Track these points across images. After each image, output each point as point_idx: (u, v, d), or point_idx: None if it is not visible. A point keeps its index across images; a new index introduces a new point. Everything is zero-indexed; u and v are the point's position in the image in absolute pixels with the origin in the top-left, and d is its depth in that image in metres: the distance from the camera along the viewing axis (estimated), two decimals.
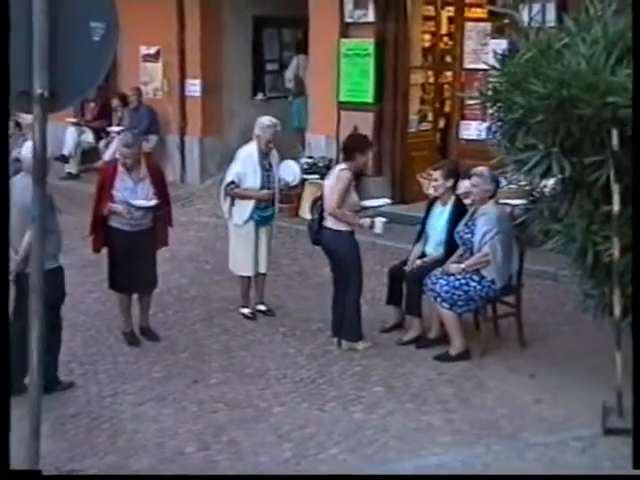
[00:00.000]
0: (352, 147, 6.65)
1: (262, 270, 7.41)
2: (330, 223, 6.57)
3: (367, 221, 6.68)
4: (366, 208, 7.26)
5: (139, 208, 6.62)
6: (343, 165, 6.64)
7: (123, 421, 5.58)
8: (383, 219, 6.76)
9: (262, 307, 7.47)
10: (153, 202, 6.72)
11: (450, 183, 6.81)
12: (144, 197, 6.66)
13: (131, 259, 6.66)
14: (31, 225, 5.39)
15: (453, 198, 6.85)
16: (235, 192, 7.26)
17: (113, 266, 6.79)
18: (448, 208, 6.83)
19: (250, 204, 7.23)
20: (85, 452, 5.15)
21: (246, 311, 7.47)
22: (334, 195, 6.50)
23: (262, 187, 7.21)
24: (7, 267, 3.70)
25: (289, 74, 12.87)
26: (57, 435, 5.31)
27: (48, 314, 5.37)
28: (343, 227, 6.54)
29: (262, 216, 7.31)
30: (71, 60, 3.60)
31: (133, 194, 6.63)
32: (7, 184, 3.67)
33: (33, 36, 3.50)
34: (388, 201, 8.60)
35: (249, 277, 7.46)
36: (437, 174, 6.86)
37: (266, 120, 7.25)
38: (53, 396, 5.68)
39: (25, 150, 5.64)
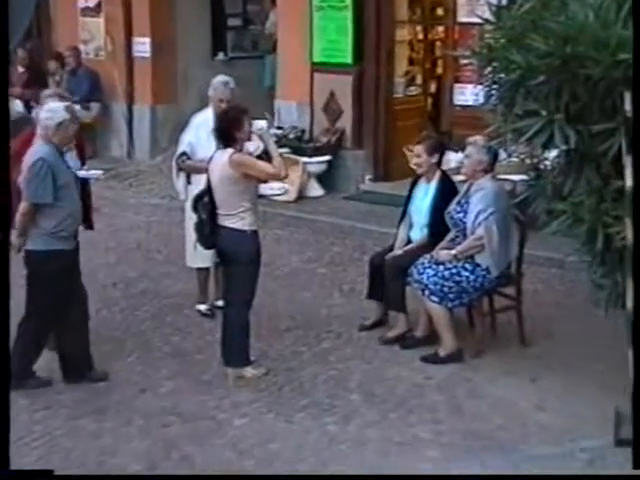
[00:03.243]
0: (228, 127, 6.21)
1: (200, 264, 7.30)
2: (228, 222, 6.24)
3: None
4: (262, 196, 7.24)
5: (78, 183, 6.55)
6: (229, 151, 6.17)
7: (57, 438, 5.56)
8: (262, 123, 6.43)
9: (221, 303, 7.44)
10: (99, 172, 6.76)
11: (435, 159, 6.82)
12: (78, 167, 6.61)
13: None
14: (24, 196, 5.87)
15: (438, 174, 6.86)
16: (186, 165, 7.20)
17: None
18: (433, 185, 6.85)
19: (202, 180, 7.12)
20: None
21: (203, 308, 7.47)
22: (262, 170, 6.14)
23: None
24: (7, 267, 3.69)
25: (269, 26, 12.81)
26: None
27: (39, 300, 6.00)
28: (246, 226, 6.27)
29: None
30: None
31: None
32: (7, 183, 3.64)
33: None
34: (286, 187, 8.45)
35: (207, 269, 7.44)
36: (419, 148, 6.86)
37: (218, 78, 7.24)
38: None
39: (41, 113, 6.01)
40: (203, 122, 7.17)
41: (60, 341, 6.26)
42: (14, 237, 5.95)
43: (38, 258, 6.00)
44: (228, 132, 6.21)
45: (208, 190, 6.34)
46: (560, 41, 5.12)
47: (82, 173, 6.60)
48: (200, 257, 7.28)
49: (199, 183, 7.03)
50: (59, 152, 6.01)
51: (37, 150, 5.96)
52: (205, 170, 6.97)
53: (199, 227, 6.40)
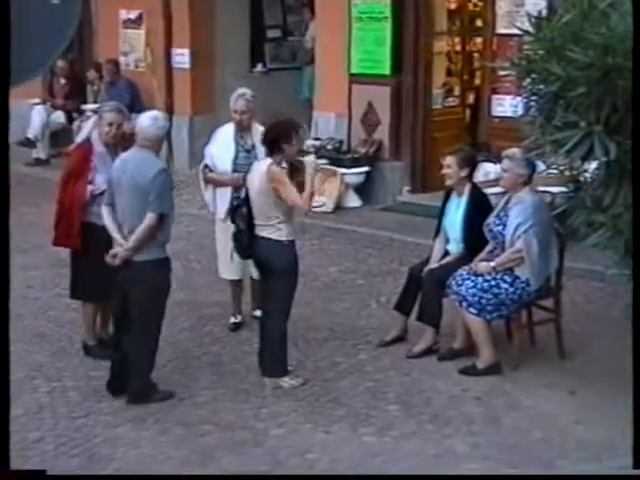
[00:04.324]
0: (276, 136, 6.29)
1: (254, 274, 7.14)
2: (266, 232, 6.27)
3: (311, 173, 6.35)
4: None
5: None
6: (267, 161, 6.26)
7: (96, 446, 5.60)
8: (313, 157, 6.54)
9: (258, 313, 7.43)
10: None
11: (465, 172, 6.79)
12: None
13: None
14: (151, 207, 5.82)
15: (469, 187, 6.84)
16: (208, 177, 7.25)
17: (85, 272, 6.68)
18: (464, 199, 6.82)
19: (227, 192, 7.12)
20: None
21: (233, 320, 7.44)
22: (289, 196, 6.13)
23: (235, 171, 7.06)
24: (7, 266, 3.72)
25: (308, 38, 12.81)
26: (17, 463, 5.29)
27: (149, 309, 5.92)
28: (283, 236, 6.31)
29: None
30: (26, 27, 3.58)
31: None
32: (7, 182, 3.68)
33: None
34: (323, 200, 8.40)
35: (239, 281, 7.43)
36: (451, 160, 6.83)
37: (236, 91, 7.25)
38: (17, 420, 5.72)
39: (148, 122, 5.91)
40: (223, 134, 7.24)
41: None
42: (124, 249, 5.92)
43: (152, 268, 5.96)
44: (275, 141, 6.26)
45: (246, 200, 6.38)
46: (600, 52, 5.10)
47: None
48: (233, 269, 7.29)
49: (224, 195, 7.11)
50: None
51: (151, 159, 5.92)
52: (227, 183, 7.01)
53: (237, 237, 6.44)
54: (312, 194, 6.33)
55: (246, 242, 6.36)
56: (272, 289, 6.37)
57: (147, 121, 5.96)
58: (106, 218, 6.10)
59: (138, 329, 6.00)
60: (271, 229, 6.26)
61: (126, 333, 6.08)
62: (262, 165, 6.30)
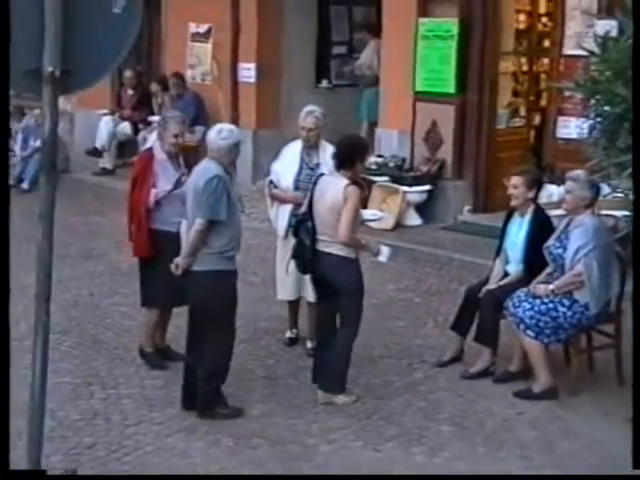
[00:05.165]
0: (352, 152, 6.26)
1: (310, 298, 6.98)
2: (332, 248, 6.20)
3: (374, 247, 6.46)
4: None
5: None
6: (345, 180, 6.20)
7: (147, 454, 5.63)
8: (389, 248, 6.56)
9: (310, 344, 7.12)
10: None
11: (532, 194, 6.74)
12: None
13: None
14: (200, 213, 5.87)
15: (532, 208, 6.77)
16: (272, 193, 7.22)
17: (156, 279, 6.69)
18: (527, 220, 6.76)
19: (287, 209, 7.07)
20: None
21: (289, 335, 7.41)
22: (345, 218, 6.09)
23: (296, 188, 7.00)
24: (7, 266, 3.79)
25: (364, 60, 12.82)
26: (68, 466, 5.38)
27: (212, 321, 5.92)
28: (349, 252, 6.22)
29: None
30: (87, 34, 3.65)
31: (180, 186, 6.72)
32: (7, 180, 3.75)
33: (44, 6, 3.55)
34: (380, 214, 8.31)
35: (293, 302, 7.33)
36: (518, 181, 6.77)
37: (305, 108, 7.19)
38: (73, 425, 5.82)
39: (213, 134, 6.01)
40: (289, 151, 7.22)
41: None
42: (181, 258, 6.00)
43: (207, 279, 5.93)
44: (350, 157, 6.25)
45: (310, 214, 6.34)
46: None
47: None
48: (289, 289, 7.17)
49: (284, 212, 7.09)
50: (227, 173, 6.01)
51: (210, 167, 5.96)
52: (288, 200, 6.99)
53: (300, 252, 6.34)
54: (359, 245, 6.31)
55: (309, 257, 6.29)
56: (341, 307, 6.29)
57: (212, 133, 6.05)
58: (182, 229, 6.19)
59: (205, 341, 5.98)
60: (339, 245, 6.20)
61: (195, 345, 6.09)
62: (338, 182, 6.20)
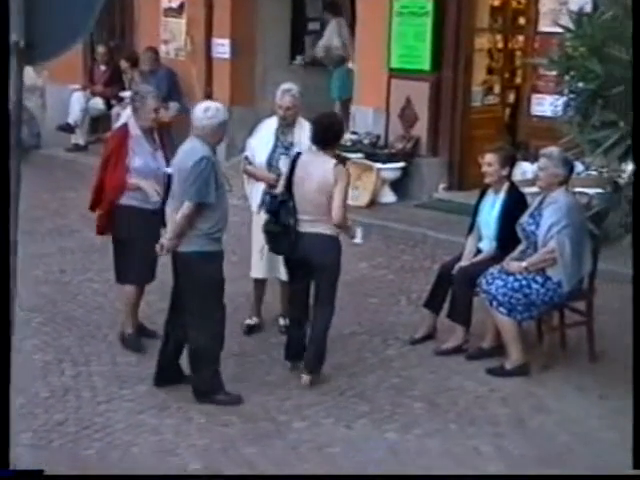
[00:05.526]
0: (334, 131, 6.22)
1: (283, 276, 6.87)
2: (318, 228, 6.12)
3: (352, 229, 6.39)
4: None
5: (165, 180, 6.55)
6: (331, 159, 6.14)
7: (118, 432, 5.59)
8: (361, 228, 6.55)
9: (283, 322, 7.10)
10: None
11: (506, 171, 6.73)
12: (165, 167, 6.63)
13: (151, 245, 6.43)
14: (188, 195, 5.74)
15: (507, 185, 6.77)
16: (246, 169, 7.14)
17: (128, 255, 6.65)
18: (501, 197, 6.75)
19: (262, 187, 6.98)
20: (69, 466, 5.16)
21: (248, 322, 7.24)
22: (339, 198, 6.04)
23: (269, 166, 6.89)
24: (8, 266, 3.74)
25: (326, 41, 12.64)
26: (39, 445, 5.34)
27: (200, 302, 5.82)
28: (334, 231, 6.14)
29: None
30: (52, 4, 3.58)
31: (155, 161, 6.63)
32: (7, 178, 3.68)
33: None
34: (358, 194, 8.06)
35: (263, 281, 7.22)
36: (492, 158, 6.75)
37: (282, 85, 7.08)
38: (43, 402, 5.77)
39: (199, 112, 5.83)
40: (265, 127, 7.12)
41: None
42: (166, 239, 5.92)
43: (193, 260, 5.83)
44: (334, 135, 6.22)
45: (289, 194, 6.22)
46: None
47: (170, 170, 6.54)
48: (263, 267, 7.05)
49: (259, 189, 7.01)
50: (213, 152, 5.88)
51: (196, 148, 5.80)
52: (260, 178, 6.92)
53: (283, 233, 6.18)
54: (347, 225, 6.26)
55: (294, 238, 6.16)
56: (321, 286, 6.23)
57: (199, 111, 5.88)
58: (167, 209, 6.12)
59: (192, 322, 5.90)
60: (325, 225, 6.12)
61: (178, 325, 6.00)
62: (325, 162, 6.13)
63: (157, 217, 6.46)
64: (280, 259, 6.67)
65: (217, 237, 5.92)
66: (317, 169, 6.15)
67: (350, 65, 12.09)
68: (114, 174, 6.63)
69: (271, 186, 6.75)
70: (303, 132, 6.76)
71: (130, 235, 6.61)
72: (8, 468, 3.96)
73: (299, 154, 6.36)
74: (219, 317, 5.99)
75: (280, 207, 6.23)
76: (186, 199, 5.79)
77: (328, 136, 6.21)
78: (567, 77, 5.60)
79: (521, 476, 4.95)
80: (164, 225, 6.54)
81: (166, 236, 5.97)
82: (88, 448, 5.39)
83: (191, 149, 5.84)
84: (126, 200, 6.62)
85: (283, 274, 6.83)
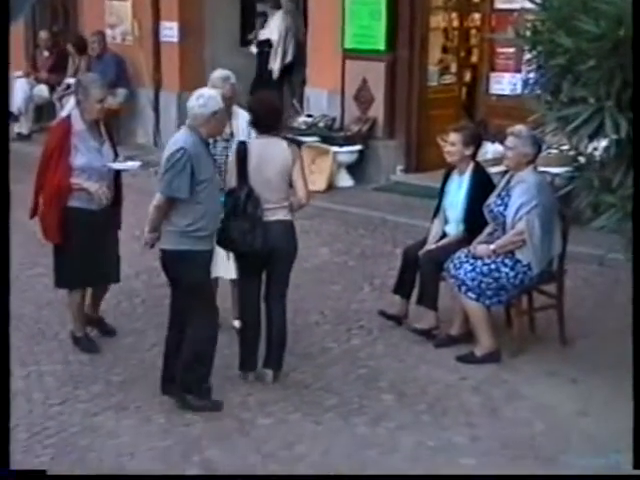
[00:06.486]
0: (276, 112, 6.01)
1: (232, 275, 6.38)
2: (280, 215, 5.82)
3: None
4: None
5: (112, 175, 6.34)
6: (282, 141, 5.93)
7: (73, 435, 5.36)
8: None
9: (237, 324, 6.53)
10: (136, 164, 6.56)
11: (469, 151, 6.56)
12: (111, 161, 6.38)
13: (97, 247, 6.28)
14: (159, 187, 5.48)
15: (472, 165, 6.60)
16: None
17: (69, 259, 6.33)
18: (466, 178, 6.58)
19: None
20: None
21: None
22: (302, 178, 5.84)
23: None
24: (8, 262, 3.46)
25: (268, 36, 12.39)
26: None
27: (186, 302, 5.55)
28: (291, 216, 5.91)
29: None
30: None
31: (100, 158, 6.32)
32: (7, 178, 3.39)
33: None
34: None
35: (216, 280, 6.57)
36: (455, 137, 6.56)
37: (216, 73, 6.72)
38: None
39: (192, 100, 5.51)
40: None
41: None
42: (145, 232, 5.66)
43: (172, 258, 5.50)
44: (277, 116, 6.01)
45: (246, 183, 5.83)
46: (612, 23, 4.82)
47: (117, 165, 6.37)
48: (223, 266, 6.36)
49: None
50: (205, 144, 5.53)
51: (178, 139, 5.44)
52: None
53: (254, 227, 5.73)
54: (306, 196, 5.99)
55: (263, 230, 5.74)
56: (281, 274, 5.96)
57: (191, 100, 5.53)
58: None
59: (181, 323, 5.63)
60: (284, 210, 5.85)
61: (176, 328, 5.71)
62: (279, 144, 5.87)
63: (101, 218, 6.24)
64: (224, 257, 6.17)
65: (199, 236, 5.47)
66: (274, 153, 5.87)
67: None
68: (54, 177, 6.25)
69: None
70: (239, 121, 6.50)
71: (69, 237, 6.28)
72: (8, 468, 3.77)
73: (243, 143, 6.02)
74: (210, 319, 5.62)
75: (247, 201, 5.80)
76: (157, 190, 5.50)
77: (272, 119, 5.93)
78: (534, 52, 5.39)
79: (522, 476, 4.80)
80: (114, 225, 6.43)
81: (145, 229, 5.70)
82: (40, 455, 5.13)
83: (175, 139, 5.51)
84: (69, 202, 6.28)
85: (233, 272, 6.35)
